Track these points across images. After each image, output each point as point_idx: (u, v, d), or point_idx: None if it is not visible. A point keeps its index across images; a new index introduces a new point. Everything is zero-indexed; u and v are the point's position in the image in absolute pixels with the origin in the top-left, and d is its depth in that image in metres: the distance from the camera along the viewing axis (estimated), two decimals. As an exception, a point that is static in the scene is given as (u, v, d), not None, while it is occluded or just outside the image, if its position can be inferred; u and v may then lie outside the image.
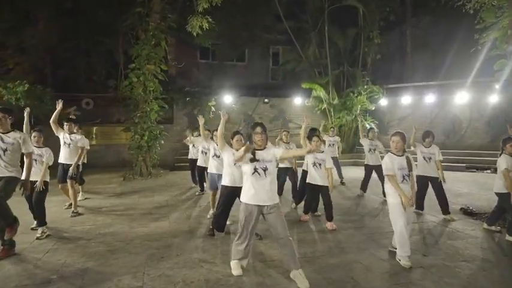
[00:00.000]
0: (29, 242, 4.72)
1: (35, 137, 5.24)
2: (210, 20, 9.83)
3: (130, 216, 6.16)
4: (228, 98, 14.01)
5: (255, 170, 3.58)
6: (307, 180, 5.86)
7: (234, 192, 4.74)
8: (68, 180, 6.28)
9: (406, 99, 14.09)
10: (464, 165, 11.57)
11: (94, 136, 13.02)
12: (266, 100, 14.88)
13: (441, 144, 12.93)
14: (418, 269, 3.88)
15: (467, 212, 6.23)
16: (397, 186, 4.07)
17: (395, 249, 4.25)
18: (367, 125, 13.25)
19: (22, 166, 4.48)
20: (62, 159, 6.37)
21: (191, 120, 13.84)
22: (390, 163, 4.20)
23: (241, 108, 14.61)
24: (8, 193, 4.29)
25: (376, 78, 14.46)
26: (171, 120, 13.68)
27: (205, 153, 7.37)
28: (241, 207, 3.69)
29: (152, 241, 4.78)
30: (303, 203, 6.16)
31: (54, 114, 6.14)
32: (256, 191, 3.57)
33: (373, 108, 13.81)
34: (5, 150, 4.32)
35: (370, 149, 7.83)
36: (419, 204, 6.22)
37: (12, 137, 4.42)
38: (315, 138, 5.79)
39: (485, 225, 5.36)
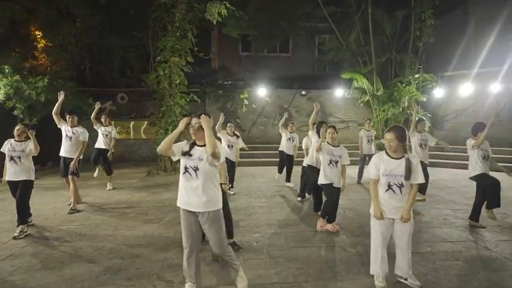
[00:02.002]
0: (3, 242, 4.52)
1: (18, 129, 5.02)
2: (229, 6, 9.11)
3: (125, 215, 5.81)
4: (262, 91, 13.28)
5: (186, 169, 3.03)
6: (321, 182, 4.98)
7: None
8: (69, 175, 6.12)
9: (466, 89, 12.15)
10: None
11: (128, 130, 13.16)
12: (303, 92, 13.86)
13: (508, 142, 11.05)
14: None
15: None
16: (374, 195, 3.25)
17: (405, 279, 3.30)
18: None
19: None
20: (62, 153, 6.23)
21: (224, 114, 13.33)
22: (374, 165, 3.29)
23: (277, 101, 13.80)
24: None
25: (429, 66, 12.70)
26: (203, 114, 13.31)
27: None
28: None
29: (123, 249, 4.31)
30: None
31: (56, 105, 6.00)
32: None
33: (425, 100, 12.12)
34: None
35: (421, 144, 6.56)
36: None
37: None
38: (330, 130, 4.94)
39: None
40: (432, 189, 7.54)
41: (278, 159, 8.35)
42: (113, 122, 8.05)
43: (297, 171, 7.63)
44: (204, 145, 2.96)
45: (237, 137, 7.26)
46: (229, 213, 4.38)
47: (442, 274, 3.59)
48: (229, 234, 4.39)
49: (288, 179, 8.02)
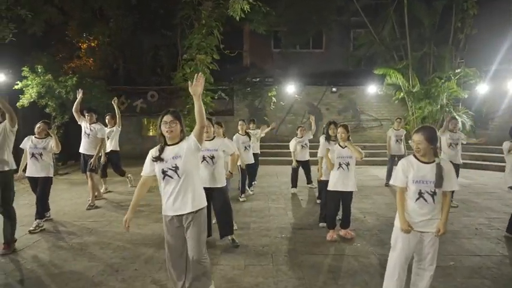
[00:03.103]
0: (19, 235, 4.65)
1: (39, 127, 5.13)
2: (252, 1, 8.90)
3: (139, 213, 5.80)
4: (291, 88, 12.95)
5: None
6: (329, 187, 4.61)
7: None
8: (87, 172, 6.25)
9: (515, 85, 11.12)
10: None
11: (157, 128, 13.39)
12: (334, 89, 13.35)
13: None
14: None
15: None
16: (401, 205, 2.87)
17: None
18: (458, 118, 10.85)
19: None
20: (81, 149, 6.37)
21: (252, 111, 13.25)
22: (402, 171, 2.88)
23: (306, 98, 13.42)
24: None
25: (472, 60, 11.71)
26: (231, 111, 13.30)
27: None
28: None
29: (127, 248, 4.29)
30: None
31: (76, 103, 6.13)
32: None
33: (466, 96, 11.21)
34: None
35: (451, 144, 6.05)
36: None
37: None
38: (340, 130, 4.52)
39: None
40: (467, 194, 6.94)
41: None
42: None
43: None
44: (177, 143, 2.79)
45: (249, 136, 6.99)
46: (230, 207, 4.28)
47: (462, 294, 3.19)
48: (229, 229, 4.27)
49: (308, 181, 7.69)
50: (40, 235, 4.73)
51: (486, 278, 3.50)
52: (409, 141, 6.11)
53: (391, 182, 3.06)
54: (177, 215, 2.78)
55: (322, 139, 5.44)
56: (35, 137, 5.10)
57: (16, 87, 8.25)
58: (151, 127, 13.26)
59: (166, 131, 2.73)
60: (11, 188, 4.15)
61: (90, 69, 11.71)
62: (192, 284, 2.85)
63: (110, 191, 7.43)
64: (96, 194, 6.54)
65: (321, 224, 5.12)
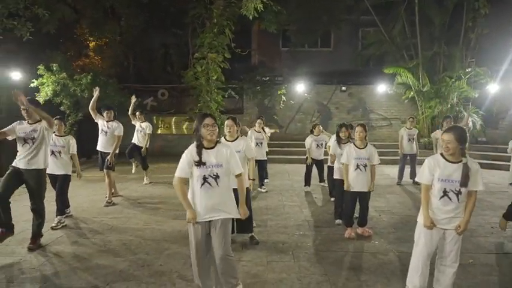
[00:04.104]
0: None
1: (56, 125, 5.21)
2: (265, 0, 8.95)
3: (157, 210, 5.91)
4: (300, 87, 12.99)
5: None
6: (345, 187, 4.69)
7: None
8: (104, 169, 6.35)
9: (526, 84, 11.11)
10: None
11: (168, 126, 13.49)
12: (343, 88, 13.36)
13: None
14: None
15: None
16: (425, 202, 2.94)
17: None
18: (470, 120, 10.83)
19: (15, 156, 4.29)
20: (99, 147, 6.46)
21: (261, 110, 13.30)
22: (428, 169, 2.94)
23: (315, 97, 13.45)
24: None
25: (482, 59, 11.69)
26: (241, 110, 13.38)
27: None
28: None
29: (150, 244, 4.37)
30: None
31: (92, 101, 6.21)
32: None
33: (477, 96, 11.20)
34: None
35: None
36: None
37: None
38: (358, 129, 4.60)
39: None
40: (481, 193, 6.88)
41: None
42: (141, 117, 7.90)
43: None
44: (214, 146, 2.87)
45: (264, 132, 7.16)
46: (250, 205, 4.32)
47: (484, 290, 3.24)
48: (250, 226, 4.35)
49: (320, 180, 7.75)
50: (62, 231, 4.83)
51: (506, 275, 3.55)
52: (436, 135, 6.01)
53: (416, 179, 3.13)
54: (207, 221, 2.86)
55: (333, 140, 5.57)
56: (55, 135, 5.18)
57: (32, 85, 8.37)
58: (161, 125, 13.35)
59: (209, 134, 2.79)
60: (43, 185, 4.28)
61: (101, 67, 11.84)
62: (221, 281, 2.93)
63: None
64: (112, 191, 6.64)
65: (336, 222, 5.19)
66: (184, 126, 13.38)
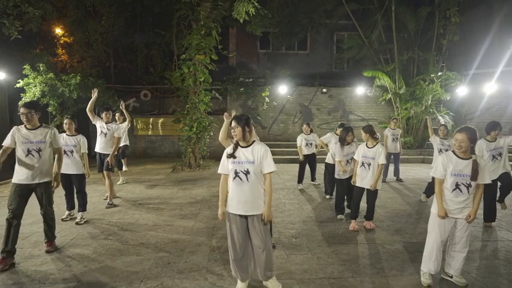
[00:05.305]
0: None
1: (66, 124, 5.20)
2: (257, 4, 9.17)
3: (161, 211, 5.97)
4: (283, 88, 13.34)
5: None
6: (352, 181, 5.09)
7: None
8: (104, 171, 6.31)
9: (491, 87, 12.05)
10: None
11: (151, 127, 13.38)
12: (324, 90, 13.88)
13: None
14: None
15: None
16: (439, 194, 3.32)
17: (450, 276, 3.40)
18: (440, 118, 11.64)
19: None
20: (97, 148, 6.41)
21: (245, 111, 13.50)
22: (442, 165, 3.32)
23: (297, 99, 13.85)
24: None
25: (453, 64, 12.58)
26: (224, 111, 13.43)
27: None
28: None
29: (167, 243, 4.46)
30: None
31: (90, 102, 6.15)
32: None
33: (448, 98, 12.03)
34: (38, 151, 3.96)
35: (441, 149, 6.49)
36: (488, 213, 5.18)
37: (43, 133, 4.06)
38: (368, 128, 5.02)
39: None
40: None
41: (298, 156, 7.77)
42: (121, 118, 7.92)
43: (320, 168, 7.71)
44: (249, 145, 3.07)
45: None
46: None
47: (486, 273, 3.64)
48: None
49: (312, 179, 8.10)
50: (75, 232, 4.80)
51: (503, 260, 3.98)
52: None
53: (430, 174, 3.49)
54: (241, 215, 3.06)
55: (333, 142, 5.91)
56: (66, 134, 5.19)
57: (18, 85, 8.09)
58: (144, 126, 13.22)
59: (232, 135, 3.08)
60: (52, 192, 4.22)
61: (81, 67, 11.56)
62: (257, 273, 3.13)
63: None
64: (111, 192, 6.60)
65: (338, 217, 5.52)
66: (162, 126, 13.38)
